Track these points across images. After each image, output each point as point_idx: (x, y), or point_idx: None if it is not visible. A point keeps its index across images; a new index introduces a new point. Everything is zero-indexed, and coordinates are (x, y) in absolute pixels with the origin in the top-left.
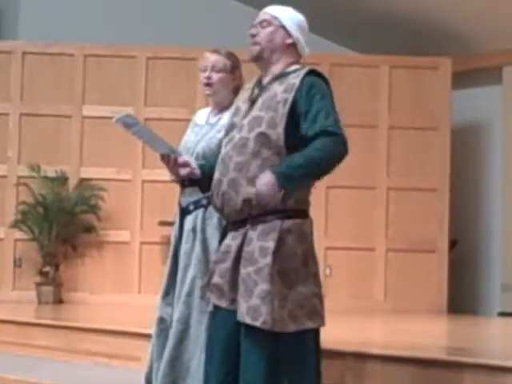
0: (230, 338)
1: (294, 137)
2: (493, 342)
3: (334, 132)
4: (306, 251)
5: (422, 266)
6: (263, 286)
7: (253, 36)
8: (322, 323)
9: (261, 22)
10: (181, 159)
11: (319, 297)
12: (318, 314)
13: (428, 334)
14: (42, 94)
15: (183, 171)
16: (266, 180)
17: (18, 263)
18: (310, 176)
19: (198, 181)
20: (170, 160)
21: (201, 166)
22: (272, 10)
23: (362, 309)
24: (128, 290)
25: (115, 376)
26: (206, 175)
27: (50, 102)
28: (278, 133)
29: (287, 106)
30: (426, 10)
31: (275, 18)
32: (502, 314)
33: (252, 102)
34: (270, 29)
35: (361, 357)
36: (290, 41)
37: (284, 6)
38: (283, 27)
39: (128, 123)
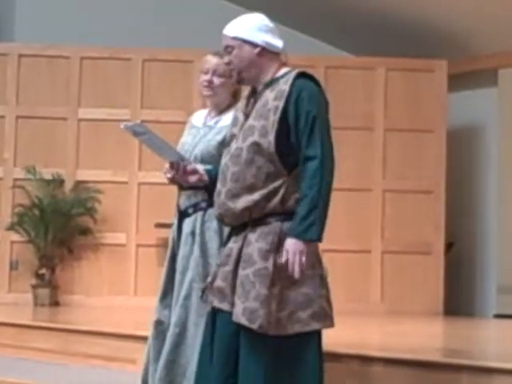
0: (231, 340)
1: (286, 144)
2: (489, 344)
3: (315, 156)
4: None
5: (419, 268)
6: (261, 290)
7: (227, 64)
8: (331, 324)
9: (226, 49)
10: (190, 167)
11: (326, 298)
12: (326, 315)
13: (424, 336)
14: (38, 96)
15: (192, 179)
16: (289, 244)
17: (14, 265)
18: (322, 212)
19: (205, 186)
20: (180, 168)
21: (208, 172)
22: (229, 31)
23: (358, 311)
24: (124, 293)
25: (112, 378)
26: (213, 180)
27: (46, 105)
28: (269, 141)
29: (278, 114)
30: (422, 12)
31: (234, 38)
32: (498, 316)
33: (247, 112)
34: (235, 52)
35: (359, 359)
36: (257, 50)
37: (238, 18)
38: (245, 41)
39: (137, 132)
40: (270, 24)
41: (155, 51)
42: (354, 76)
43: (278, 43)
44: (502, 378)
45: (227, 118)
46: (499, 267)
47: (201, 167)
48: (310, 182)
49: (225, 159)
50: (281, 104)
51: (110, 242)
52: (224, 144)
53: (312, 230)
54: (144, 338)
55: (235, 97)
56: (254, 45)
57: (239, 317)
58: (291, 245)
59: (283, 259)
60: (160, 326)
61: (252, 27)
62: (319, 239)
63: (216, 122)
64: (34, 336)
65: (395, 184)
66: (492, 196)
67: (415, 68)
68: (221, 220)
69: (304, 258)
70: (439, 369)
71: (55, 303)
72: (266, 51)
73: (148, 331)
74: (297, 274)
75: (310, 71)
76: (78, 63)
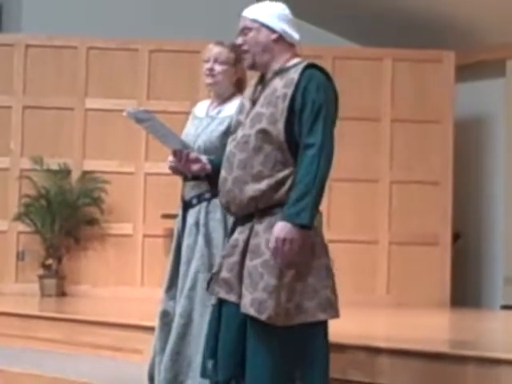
0: (238, 331)
1: (294, 132)
2: (496, 335)
3: (314, 143)
4: (315, 243)
5: (425, 260)
6: (270, 280)
7: (240, 46)
8: (337, 315)
9: (242, 30)
10: (192, 155)
11: (332, 288)
12: (331, 305)
13: (431, 327)
14: (45, 86)
15: (195, 167)
16: (278, 228)
17: (21, 256)
18: (315, 198)
19: (207, 176)
20: (182, 156)
21: (210, 161)
22: (249, 13)
23: (364, 302)
24: (131, 283)
25: (118, 369)
26: (215, 170)
27: (53, 95)
28: (279, 128)
29: (287, 101)
30: (430, 2)
31: (254, 20)
32: (505, 307)
33: (254, 99)
34: (252, 33)
35: (364, 350)
36: (274, 36)
37: (260, 3)
38: (264, 25)
39: (140, 118)
40: (290, 15)
41: (162, 42)
42: (360, 67)
43: (295, 34)
44: (508, 368)
45: (230, 108)
46: (506, 258)
47: (204, 157)
48: (307, 168)
49: (230, 146)
50: (290, 92)
51: (117, 232)
52: (227, 134)
53: (303, 215)
54: (150, 329)
55: (238, 87)
56: (272, 30)
57: (248, 308)
58: (278, 230)
59: (270, 245)
60: (166, 317)
61: (273, 13)
62: (310, 225)
63: (218, 112)
64: (41, 326)
65: (402, 175)
66: (499, 187)
67: (422, 59)
68: (227, 208)
69: (288, 247)
70: (445, 360)
71: (62, 293)
72: (282, 39)
73: (154, 322)
74: (278, 263)
75: (317, 62)
76: (85, 54)
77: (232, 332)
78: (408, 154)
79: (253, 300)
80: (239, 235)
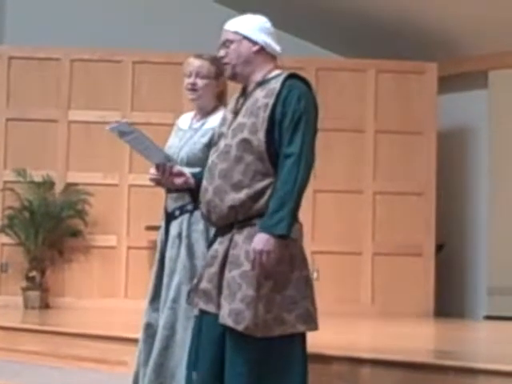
0: (217, 342)
1: (275, 141)
2: (479, 346)
3: (293, 153)
4: (294, 255)
5: (409, 270)
6: (248, 291)
7: (222, 58)
8: (315, 327)
9: (224, 43)
10: (175, 169)
11: (311, 300)
12: (310, 317)
13: (415, 337)
14: (29, 98)
15: (178, 180)
16: (257, 240)
17: (4, 268)
18: (293, 208)
19: (190, 190)
20: (166, 170)
21: (193, 175)
22: (231, 26)
23: (349, 312)
24: (115, 295)
25: (102, 381)
26: (198, 184)
27: (37, 107)
28: (259, 138)
29: (268, 111)
30: (413, 14)
31: (235, 32)
32: (489, 318)
33: (236, 111)
34: (234, 46)
35: (348, 361)
36: (256, 48)
37: (242, 16)
38: (246, 37)
39: (123, 132)
40: (271, 28)
41: (145, 53)
42: (344, 78)
43: (277, 47)
44: (485, 378)
45: (213, 120)
46: (489, 269)
47: (187, 170)
48: (285, 177)
49: (212, 157)
50: (271, 101)
51: (101, 244)
52: (210, 145)
53: (281, 225)
54: (134, 340)
55: (220, 99)
56: (253, 42)
57: (225, 318)
58: (257, 242)
59: (251, 258)
60: (149, 329)
61: (254, 26)
62: (288, 235)
63: (202, 125)
64: (24, 338)
65: (386, 186)
66: (482, 197)
67: (405, 70)
68: (207, 218)
69: (266, 258)
70: (427, 370)
71: (45, 306)
72: (263, 51)
73: (138, 334)
74: (257, 273)
75: (300, 73)
76: (69, 65)
77: (211, 343)
78: (392, 165)
79: (230, 311)
80: (219, 246)
